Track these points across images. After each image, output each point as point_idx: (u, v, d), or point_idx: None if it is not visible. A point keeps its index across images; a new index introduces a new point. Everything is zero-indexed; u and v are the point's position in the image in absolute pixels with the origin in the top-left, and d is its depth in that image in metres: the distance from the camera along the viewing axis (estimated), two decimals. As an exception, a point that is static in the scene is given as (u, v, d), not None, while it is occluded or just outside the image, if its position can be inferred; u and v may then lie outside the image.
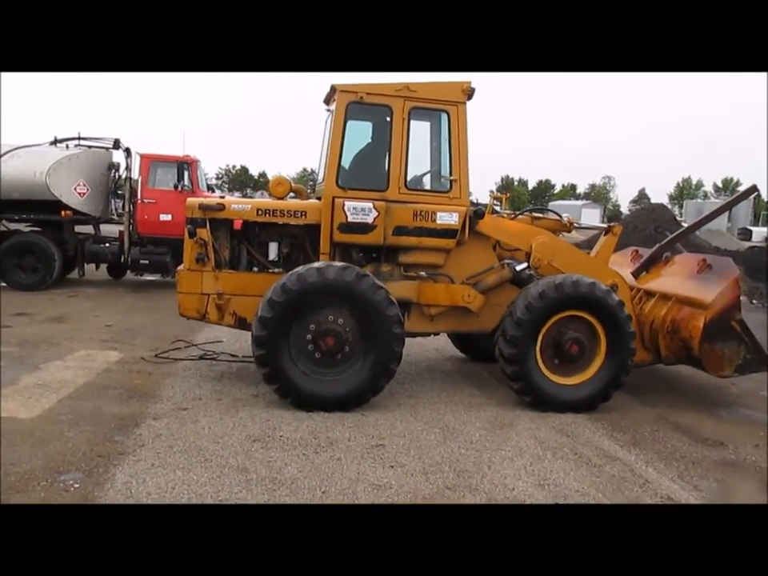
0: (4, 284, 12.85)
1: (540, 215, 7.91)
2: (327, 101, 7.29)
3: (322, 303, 6.03)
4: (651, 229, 18.62)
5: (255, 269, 7.04)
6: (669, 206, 33.07)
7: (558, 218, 7.83)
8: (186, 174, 13.50)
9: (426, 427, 5.85)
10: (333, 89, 6.74)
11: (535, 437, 5.76)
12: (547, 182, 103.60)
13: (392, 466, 4.93)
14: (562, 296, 6.33)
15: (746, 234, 46.26)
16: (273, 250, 6.99)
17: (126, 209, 13.68)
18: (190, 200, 6.97)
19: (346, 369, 6.11)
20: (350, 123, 6.57)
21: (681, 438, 5.99)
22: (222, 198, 8.92)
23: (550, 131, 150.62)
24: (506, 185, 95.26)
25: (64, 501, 4.11)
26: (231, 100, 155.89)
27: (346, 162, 6.69)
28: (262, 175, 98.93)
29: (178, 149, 15.00)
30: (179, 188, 13.32)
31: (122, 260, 13.64)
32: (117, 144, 13.81)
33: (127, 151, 13.79)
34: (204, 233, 6.69)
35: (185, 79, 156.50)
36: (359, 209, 6.46)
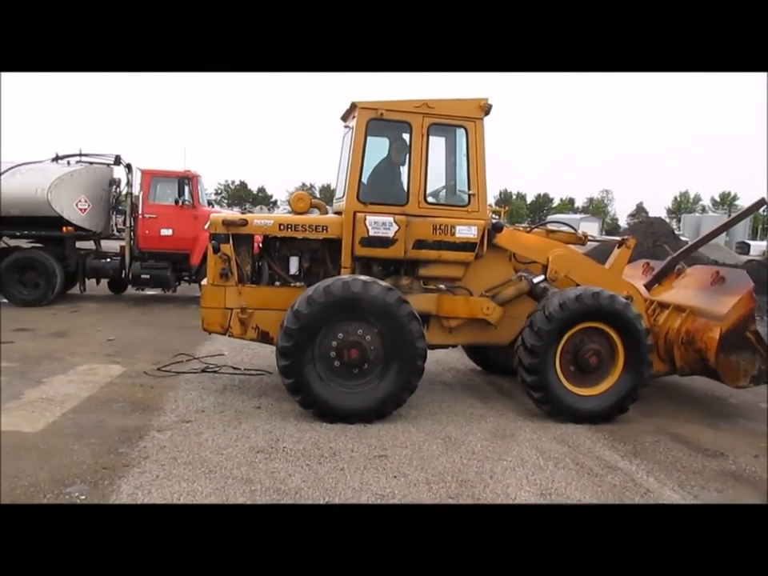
0: (5, 300, 12.89)
1: (555, 228, 7.99)
2: (345, 118, 7.41)
3: (354, 316, 6.11)
4: (650, 242, 18.64)
5: (277, 283, 7.10)
6: (667, 220, 33.21)
7: (572, 231, 7.91)
8: (186, 189, 13.60)
9: (428, 438, 5.88)
10: (353, 106, 6.86)
11: (536, 447, 5.79)
12: (545, 195, 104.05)
13: (395, 476, 4.96)
14: (582, 307, 6.40)
15: (744, 248, 46.38)
16: (294, 264, 7.04)
17: (127, 224, 13.75)
18: (214, 216, 7.04)
19: (361, 385, 6.19)
20: (369, 139, 6.66)
21: (681, 448, 6.03)
22: (245, 212, 9.03)
23: (548, 144, 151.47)
24: (505, 199, 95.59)
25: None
26: (231, 115, 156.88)
27: (365, 178, 6.76)
28: (261, 190, 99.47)
29: (179, 164, 15.07)
30: (180, 203, 13.45)
31: (123, 275, 13.70)
32: (118, 160, 13.88)
33: (128, 167, 13.88)
34: (227, 248, 6.76)
35: (186, 95, 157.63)
36: (380, 223, 6.55)
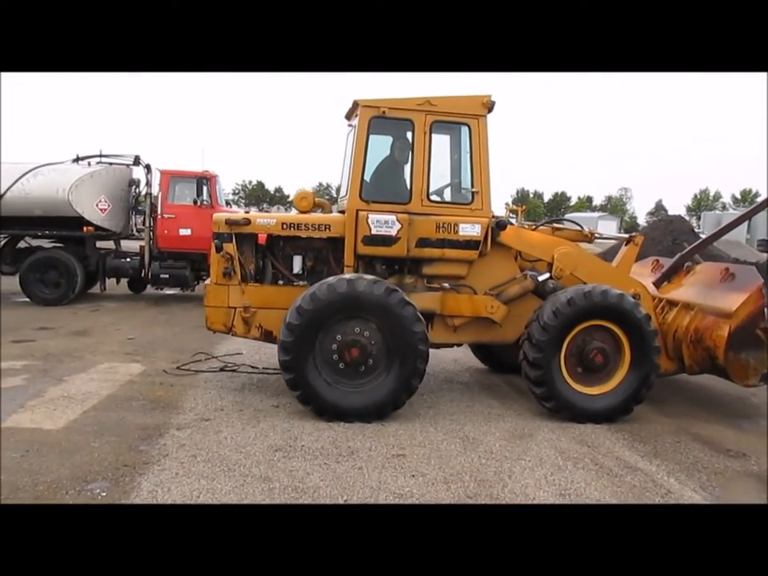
0: (27, 299, 13.07)
1: (561, 226, 7.93)
2: (349, 116, 7.39)
3: (348, 315, 6.10)
4: (669, 240, 18.43)
5: (280, 282, 7.10)
6: (686, 218, 32.79)
7: (578, 228, 7.85)
8: (205, 189, 13.69)
9: (446, 437, 5.87)
10: (355, 104, 6.84)
11: (555, 447, 5.76)
12: (563, 194, 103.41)
13: (413, 476, 4.95)
14: (576, 309, 6.34)
15: (766, 246, 45.64)
16: (297, 263, 7.05)
17: (147, 224, 13.89)
18: (217, 215, 7.06)
19: (370, 381, 6.17)
20: (372, 137, 6.65)
21: (702, 448, 5.96)
22: (247, 212, 9.05)
23: (565, 143, 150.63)
24: (522, 197, 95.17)
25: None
26: (249, 115, 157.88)
27: (367, 176, 6.75)
28: (278, 190, 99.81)
29: (197, 164, 15.18)
30: (198, 203, 13.55)
31: (143, 274, 13.85)
32: (137, 161, 14.03)
33: (147, 167, 14.03)
34: (230, 247, 6.78)
35: (203, 96, 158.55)
36: (383, 221, 6.53)
